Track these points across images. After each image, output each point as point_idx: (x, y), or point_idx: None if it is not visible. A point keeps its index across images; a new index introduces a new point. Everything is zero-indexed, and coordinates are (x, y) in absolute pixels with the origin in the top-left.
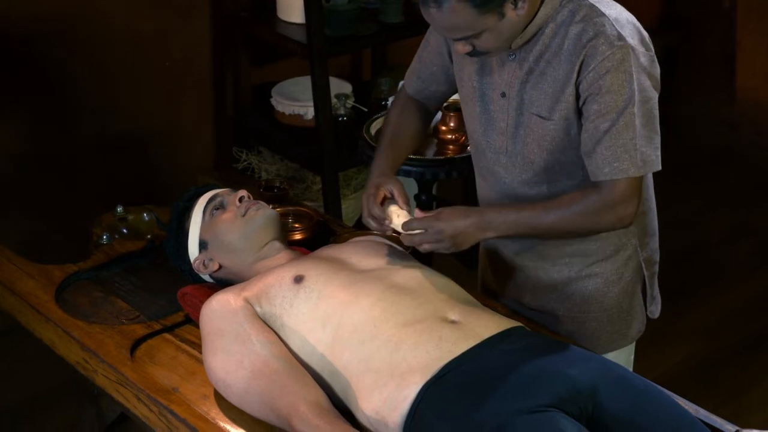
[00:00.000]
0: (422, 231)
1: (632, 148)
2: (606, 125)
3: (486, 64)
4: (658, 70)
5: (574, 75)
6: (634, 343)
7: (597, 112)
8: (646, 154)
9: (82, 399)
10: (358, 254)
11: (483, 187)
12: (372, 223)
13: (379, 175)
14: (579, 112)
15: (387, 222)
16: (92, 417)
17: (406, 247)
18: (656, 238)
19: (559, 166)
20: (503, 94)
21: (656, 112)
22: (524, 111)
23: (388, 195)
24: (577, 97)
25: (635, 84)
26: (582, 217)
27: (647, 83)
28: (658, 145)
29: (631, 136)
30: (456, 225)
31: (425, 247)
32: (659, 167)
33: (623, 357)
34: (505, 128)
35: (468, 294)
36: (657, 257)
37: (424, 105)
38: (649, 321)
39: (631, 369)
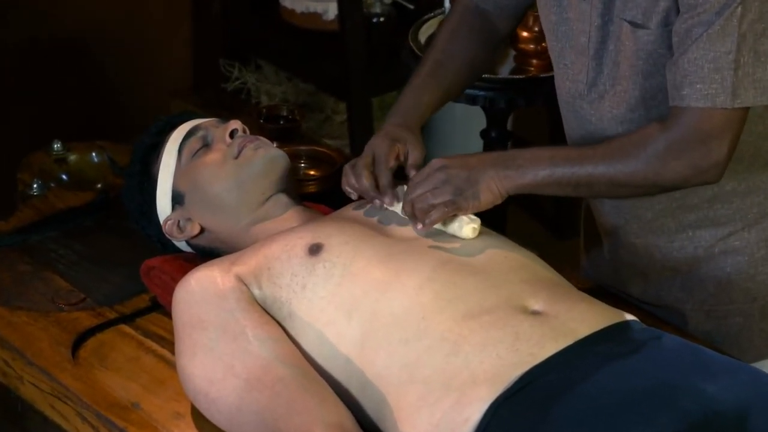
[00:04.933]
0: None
1: (727, 66)
2: (699, 30)
3: None
4: None
5: None
6: None
7: (691, 9)
8: (755, 77)
9: (1, 417)
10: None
11: (567, 130)
12: (363, 186)
13: (400, 124)
14: None
15: (387, 202)
16: None
17: None
18: None
19: (663, 95)
20: None
21: None
22: (613, 17)
23: (401, 158)
24: None
25: None
26: (642, 163)
27: None
28: None
29: (728, 48)
30: (466, 159)
31: (418, 197)
32: None
33: None
34: (585, 44)
35: (557, 274)
36: None
37: (490, 20)
38: None
39: None
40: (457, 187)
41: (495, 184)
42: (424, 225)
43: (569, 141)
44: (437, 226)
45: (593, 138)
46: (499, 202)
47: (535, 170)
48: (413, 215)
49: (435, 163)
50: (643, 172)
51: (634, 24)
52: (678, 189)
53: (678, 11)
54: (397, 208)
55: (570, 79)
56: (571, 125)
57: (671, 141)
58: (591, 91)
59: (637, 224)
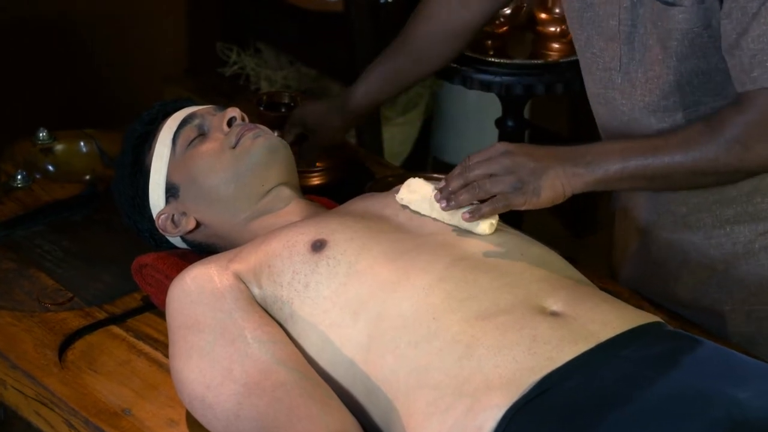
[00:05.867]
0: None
1: None
2: (755, 4)
3: None
4: None
5: None
6: None
7: None
8: None
9: None
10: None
11: (600, 124)
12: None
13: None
14: None
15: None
16: None
17: None
18: None
19: (699, 79)
20: None
21: None
22: None
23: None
24: None
25: None
26: (722, 149)
27: None
28: None
29: None
30: (532, 149)
31: (477, 176)
32: None
33: None
34: (616, 28)
35: (578, 272)
36: None
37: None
38: None
39: None
40: (520, 179)
41: (561, 181)
42: (471, 215)
43: (603, 136)
44: (451, 220)
45: (628, 127)
46: (559, 201)
47: (606, 165)
48: (459, 197)
49: (499, 146)
50: (725, 157)
51: (664, 2)
52: (765, 172)
53: None
54: (415, 203)
55: (600, 68)
56: (604, 118)
57: (751, 123)
58: (622, 78)
59: (671, 219)
